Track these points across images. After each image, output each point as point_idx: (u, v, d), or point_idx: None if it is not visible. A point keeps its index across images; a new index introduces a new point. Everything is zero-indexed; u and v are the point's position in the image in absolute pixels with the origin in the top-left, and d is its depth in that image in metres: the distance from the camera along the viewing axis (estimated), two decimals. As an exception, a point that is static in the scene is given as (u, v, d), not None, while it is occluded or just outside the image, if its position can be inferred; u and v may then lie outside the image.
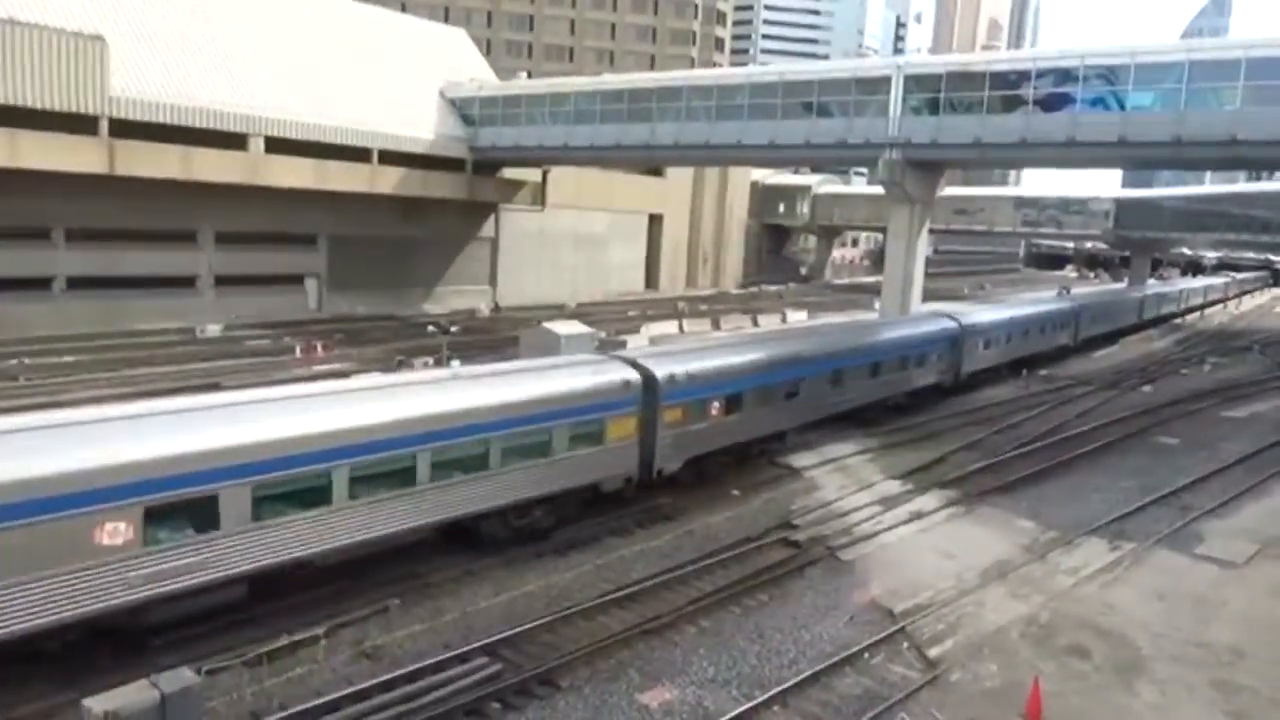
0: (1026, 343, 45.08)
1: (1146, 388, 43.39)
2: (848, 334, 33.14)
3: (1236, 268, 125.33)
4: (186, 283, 47.10)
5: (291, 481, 15.03)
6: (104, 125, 38.96)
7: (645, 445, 21.47)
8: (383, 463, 16.26)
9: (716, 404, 23.42)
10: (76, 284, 42.61)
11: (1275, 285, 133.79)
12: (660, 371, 21.74)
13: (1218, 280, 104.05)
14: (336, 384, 19.45)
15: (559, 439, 19.24)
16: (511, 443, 18.25)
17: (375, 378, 22.81)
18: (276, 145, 45.88)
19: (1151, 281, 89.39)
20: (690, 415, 22.61)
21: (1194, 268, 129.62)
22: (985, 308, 45.83)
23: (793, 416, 27.26)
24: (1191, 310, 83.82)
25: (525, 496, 18.86)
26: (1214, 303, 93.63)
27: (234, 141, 44.28)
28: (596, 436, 20.16)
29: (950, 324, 37.36)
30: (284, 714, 12.69)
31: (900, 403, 33.62)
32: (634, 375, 21.13)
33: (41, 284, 41.80)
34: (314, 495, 15.35)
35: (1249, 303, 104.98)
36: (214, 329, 44.45)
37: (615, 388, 20.51)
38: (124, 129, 39.79)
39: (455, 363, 32.95)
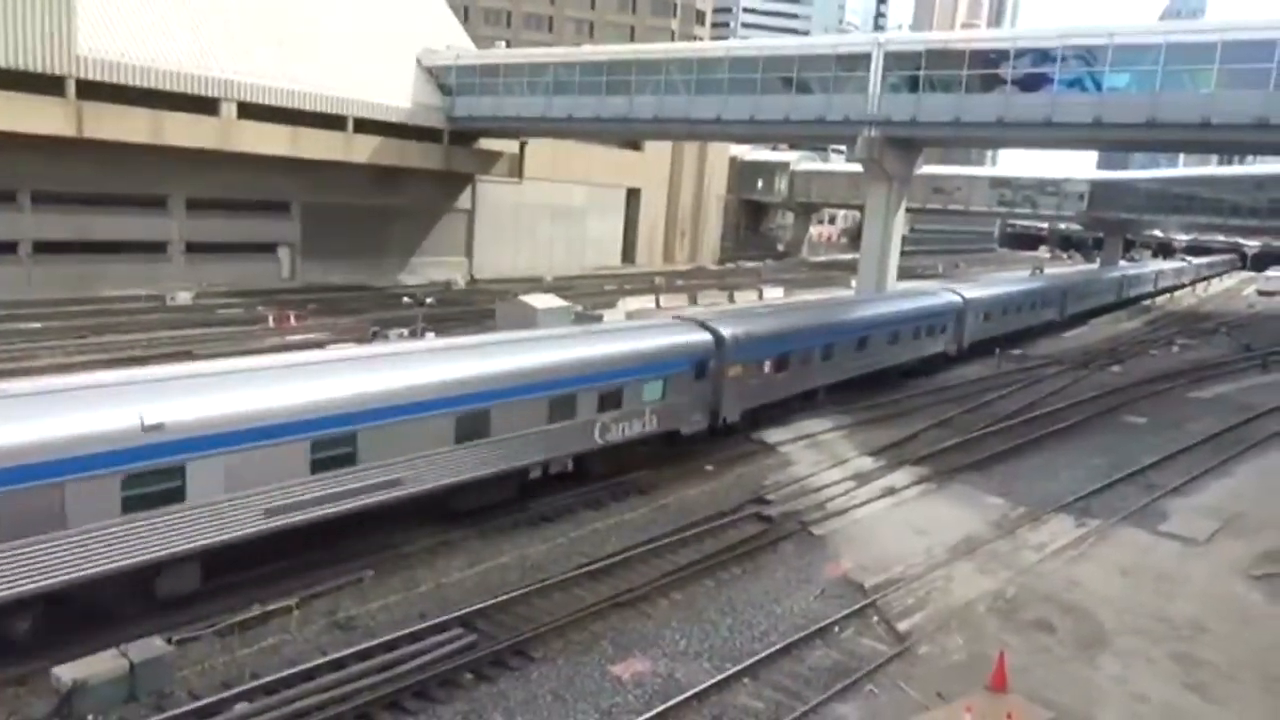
0: (866, 356, 32.28)
1: (1116, 368, 44.00)
2: (491, 355, 19.09)
3: (1207, 250, 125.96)
4: (157, 249, 46.38)
5: None
6: (71, 86, 38.08)
7: None
8: None
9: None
10: (44, 248, 41.82)
11: (1244, 268, 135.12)
12: None
13: (1172, 265, 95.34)
14: None
15: None
16: None
17: None
18: (249, 111, 45.08)
19: (1123, 263, 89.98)
20: None
21: (1164, 250, 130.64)
22: (789, 308, 34.46)
23: (343, 496, 15.70)
24: (1134, 301, 72.77)
25: None
26: (1165, 290, 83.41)
27: (205, 106, 43.45)
28: None
29: (701, 336, 24.11)
30: (256, 683, 12.66)
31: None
32: None
33: (7, 248, 40.97)
34: None
35: (1217, 286, 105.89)
36: (185, 296, 43.84)
37: None
38: (92, 91, 38.90)
39: (430, 335, 32.71)
